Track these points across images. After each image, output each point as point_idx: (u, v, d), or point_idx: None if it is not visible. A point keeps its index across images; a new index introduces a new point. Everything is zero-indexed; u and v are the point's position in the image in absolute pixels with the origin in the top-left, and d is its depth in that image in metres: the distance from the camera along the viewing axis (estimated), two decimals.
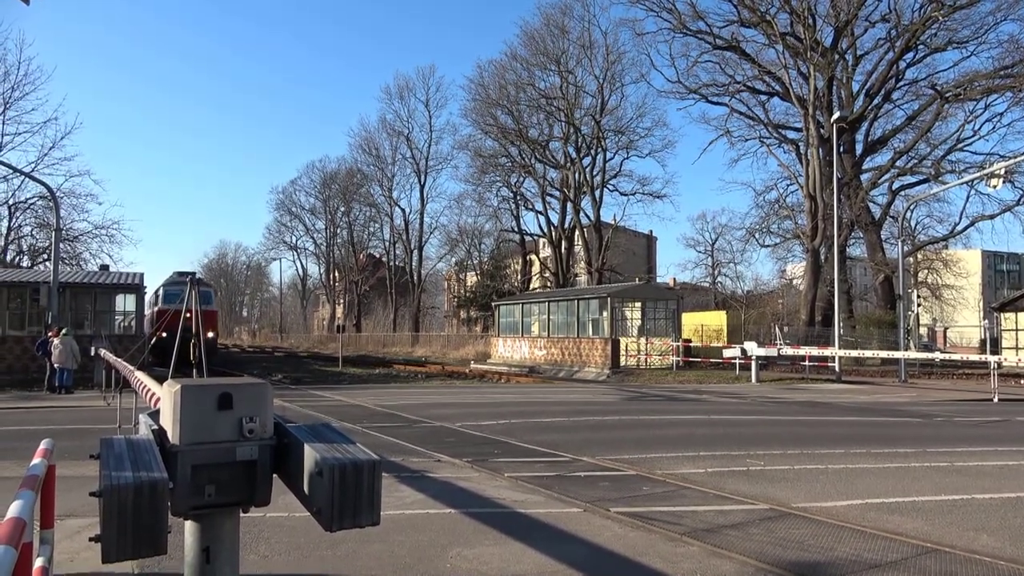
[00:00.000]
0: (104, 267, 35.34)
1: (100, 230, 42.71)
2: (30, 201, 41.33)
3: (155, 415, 2.60)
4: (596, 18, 61.95)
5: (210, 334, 26.32)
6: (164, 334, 23.85)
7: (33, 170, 36.61)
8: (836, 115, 30.78)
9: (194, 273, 31.76)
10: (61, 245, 27.32)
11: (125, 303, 25.77)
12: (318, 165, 78.65)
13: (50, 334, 20.14)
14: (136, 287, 25.87)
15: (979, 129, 39.12)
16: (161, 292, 31.85)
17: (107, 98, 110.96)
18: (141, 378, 5.71)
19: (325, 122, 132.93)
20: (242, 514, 2.51)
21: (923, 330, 46.37)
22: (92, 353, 17.01)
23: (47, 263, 38.13)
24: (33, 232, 43.72)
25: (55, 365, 19.40)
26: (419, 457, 9.11)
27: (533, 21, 66.83)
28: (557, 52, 50.43)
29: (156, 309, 30.65)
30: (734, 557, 5.14)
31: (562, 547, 5.36)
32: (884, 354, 27.40)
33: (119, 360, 10.76)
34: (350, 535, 5.18)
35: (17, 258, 42.68)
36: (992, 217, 39.37)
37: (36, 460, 3.00)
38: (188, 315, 24.43)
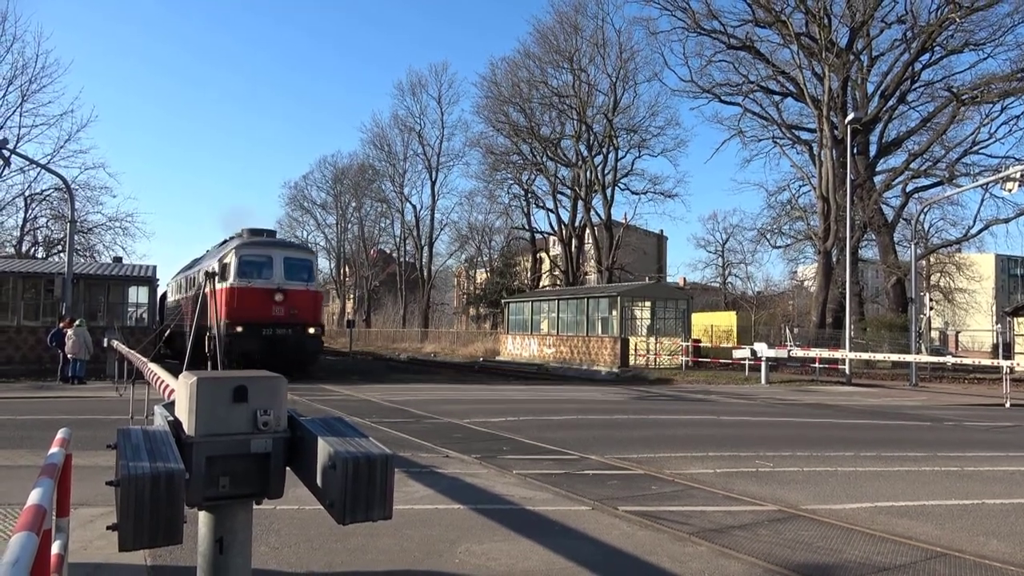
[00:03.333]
0: (117, 259, 35.53)
1: (114, 222, 43.00)
2: (46, 193, 41.63)
3: (170, 407, 2.63)
4: (610, 16, 61.94)
5: (309, 330, 21.90)
6: (239, 328, 20.34)
7: (49, 162, 36.85)
8: (850, 116, 30.59)
9: (273, 231, 25.46)
10: (75, 237, 27.47)
11: (138, 295, 25.90)
12: (330, 160, 78.76)
13: (62, 325, 20.32)
14: (148, 279, 26.00)
15: (995, 132, 38.83)
16: (233, 260, 21.30)
17: (123, 91, 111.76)
18: (155, 370, 5.77)
19: (338, 117, 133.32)
20: (254, 506, 2.54)
21: (935, 334, 46.08)
22: (105, 344, 17.17)
23: (61, 254, 38.44)
24: (48, 223, 44.02)
25: (68, 356, 19.57)
26: (428, 453, 9.14)
27: (546, 19, 66.80)
28: (570, 50, 50.33)
29: (223, 287, 20.86)
30: (742, 558, 5.14)
31: (570, 545, 5.37)
32: (895, 357, 27.22)
33: (132, 352, 10.85)
34: (360, 529, 5.22)
35: (32, 249, 43.02)
36: (1007, 221, 39.02)
37: (54, 449, 3.04)
38: (281, 296, 20.89)
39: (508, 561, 4.96)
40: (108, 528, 2.07)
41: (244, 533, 2.44)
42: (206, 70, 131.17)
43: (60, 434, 3.34)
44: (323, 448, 2.28)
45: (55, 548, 3.04)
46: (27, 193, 41.14)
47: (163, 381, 5.44)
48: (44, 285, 23.91)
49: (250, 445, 2.37)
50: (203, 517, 2.41)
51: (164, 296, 35.57)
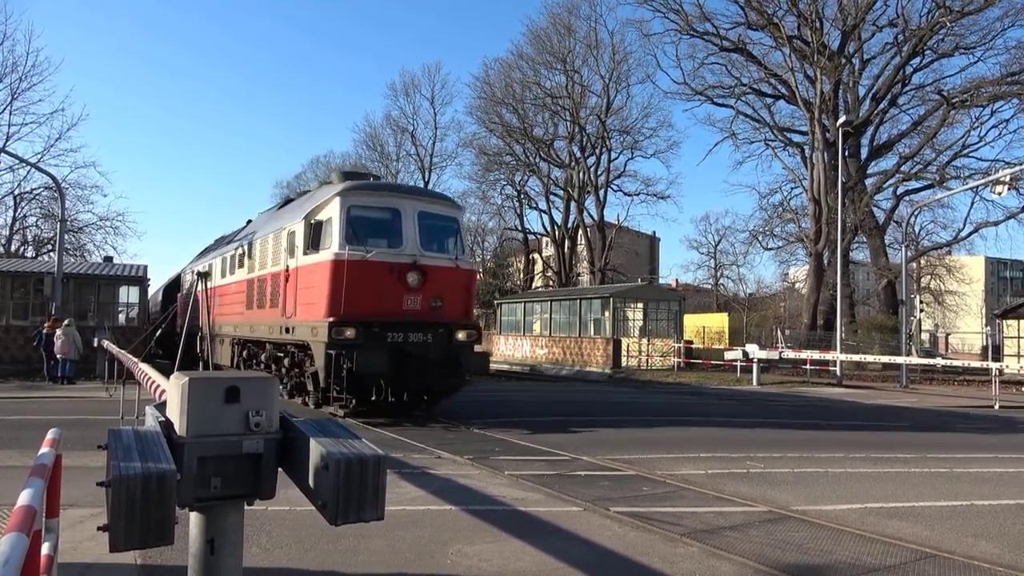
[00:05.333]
0: (108, 259, 35.36)
1: (104, 222, 42.74)
2: (35, 192, 41.33)
3: (161, 407, 2.63)
4: (603, 18, 62.13)
5: (459, 334, 12.29)
6: (349, 331, 11.11)
7: (39, 161, 36.64)
8: (842, 119, 30.76)
9: (376, 176, 20.35)
10: (65, 236, 27.34)
11: (128, 295, 25.75)
12: (322, 160, 78.39)
13: (46, 325, 20.16)
14: (139, 279, 25.86)
15: (985, 135, 39.10)
16: (338, 215, 11.97)
17: (113, 88, 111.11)
18: (146, 370, 5.75)
19: (331, 115, 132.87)
20: (246, 507, 2.53)
21: (925, 336, 46.35)
22: (95, 344, 17.06)
23: (51, 254, 38.21)
24: (38, 223, 43.73)
25: (58, 356, 19.44)
26: (420, 454, 9.13)
27: (540, 20, 66.78)
28: (563, 51, 50.41)
29: (316, 263, 12.13)
30: (733, 559, 5.16)
31: (562, 545, 5.37)
32: (885, 359, 27.37)
33: (123, 352, 10.81)
34: (351, 530, 5.20)
35: (22, 248, 42.74)
36: (996, 224, 39.32)
37: (44, 449, 3.02)
38: (417, 277, 11.54)
39: (500, 562, 4.96)
40: (99, 529, 2.07)
41: (235, 534, 2.44)
42: (201, 67, 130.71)
43: (50, 434, 3.32)
44: (315, 449, 2.28)
45: (45, 548, 3.02)
46: (16, 192, 40.90)
47: (154, 381, 5.42)
48: (33, 284, 23.74)
49: (242, 446, 2.38)
50: (194, 518, 2.41)
51: (173, 285, 29.81)
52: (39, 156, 38.86)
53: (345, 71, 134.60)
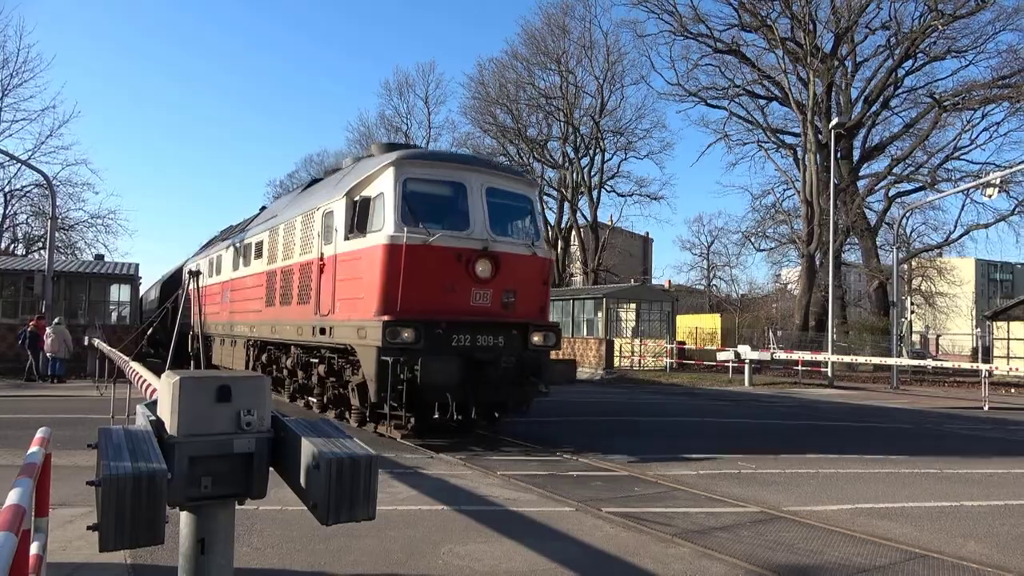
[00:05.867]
0: (99, 257, 35.19)
1: (96, 219, 42.50)
2: (26, 189, 41.08)
3: (152, 406, 2.62)
4: (597, 19, 62.21)
5: (535, 336, 10.34)
6: (407, 332, 9.17)
7: (30, 158, 36.42)
8: (834, 121, 30.89)
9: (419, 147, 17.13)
10: (56, 234, 27.14)
11: (120, 293, 25.63)
12: (315, 159, 78.12)
13: (30, 323, 20.04)
14: (131, 277, 25.75)
15: (976, 138, 39.30)
16: (391, 189, 9.79)
17: (103, 86, 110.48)
18: (137, 369, 5.73)
19: (325, 113, 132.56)
20: (237, 506, 2.53)
21: (915, 337, 46.56)
22: (86, 343, 16.98)
23: (42, 251, 37.96)
24: (28, 220, 43.46)
25: (48, 354, 19.33)
26: (412, 454, 9.12)
27: (534, 20, 66.85)
28: (557, 51, 50.38)
29: (365, 248, 9.93)
30: (724, 559, 5.18)
31: (554, 546, 5.38)
32: (876, 360, 27.49)
33: (114, 350, 10.76)
34: (343, 530, 5.20)
35: (12, 246, 42.47)
36: (987, 226, 39.52)
37: (33, 448, 3.01)
38: (488, 267, 9.63)
39: (491, 562, 4.96)
40: (89, 528, 2.06)
41: (226, 533, 2.44)
42: (194, 66, 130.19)
43: (39, 433, 3.31)
44: (307, 448, 2.28)
45: (34, 548, 3.01)
46: (7, 189, 40.65)
47: (145, 380, 5.40)
48: (24, 282, 23.63)
49: (233, 445, 2.37)
50: (185, 517, 2.40)
51: (173, 280, 26.48)
52: (30, 153, 38.64)
53: (338, 69, 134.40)
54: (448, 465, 8.45)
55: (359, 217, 9.87)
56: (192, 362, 17.46)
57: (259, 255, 14.70)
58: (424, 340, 9.13)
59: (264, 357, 14.40)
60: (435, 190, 10.13)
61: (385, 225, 9.61)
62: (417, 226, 9.46)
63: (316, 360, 11.69)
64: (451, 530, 5.73)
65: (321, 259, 11.04)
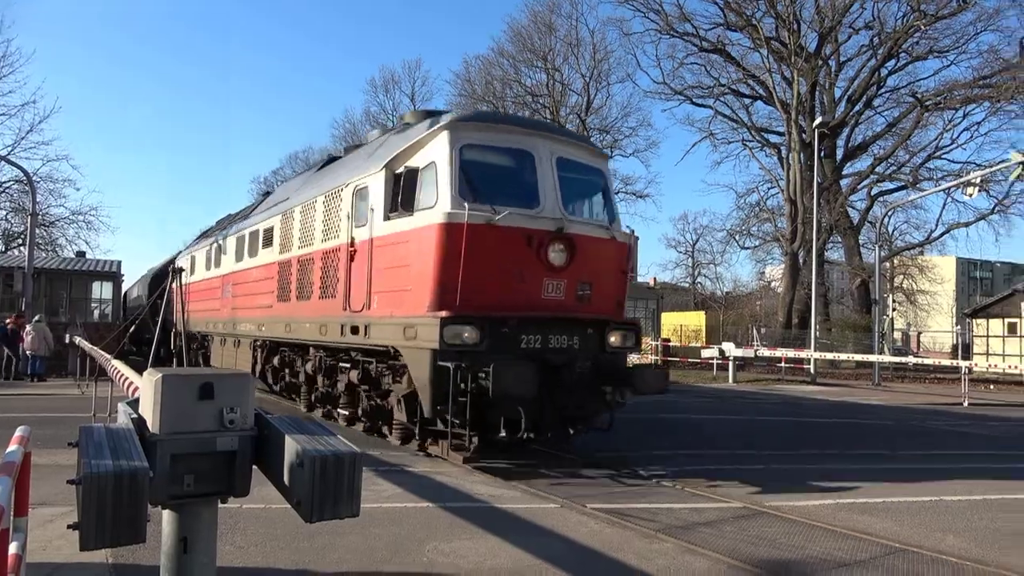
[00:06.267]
0: (80, 254, 34.80)
1: (77, 216, 41.97)
2: (5, 185, 40.56)
3: (134, 404, 2.60)
4: (584, 16, 62.08)
5: (613, 337, 8.68)
6: (467, 332, 7.60)
7: (9, 153, 35.91)
8: (818, 120, 31.13)
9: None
10: (37, 230, 26.82)
11: (101, 291, 25.39)
12: (301, 156, 77.68)
13: (8, 321, 19.80)
14: (113, 275, 25.51)
15: (957, 138, 39.76)
16: (446, 156, 8.12)
17: (81, 84, 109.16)
18: (119, 367, 5.68)
19: (309, 110, 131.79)
20: (220, 504, 2.52)
21: (897, 334, 47.05)
22: (67, 341, 16.80)
23: (22, 248, 37.49)
24: (8, 216, 42.88)
25: (28, 352, 19.11)
26: (397, 451, 9.10)
27: (521, 18, 66.80)
28: (544, 49, 50.38)
29: (415, 228, 8.20)
30: (707, 554, 5.21)
31: (538, 542, 5.39)
32: (859, 357, 27.76)
33: (95, 348, 10.65)
34: (327, 527, 5.19)
35: None
36: (967, 225, 40.02)
37: (12, 447, 2.98)
38: (561, 253, 8.17)
39: (476, 559, 4.97)
40: (69, 527, 2.04)
41: (209, 532, 2.42)
42: (175, 64, 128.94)
43: (19, 431, 3.27)
44: (291, 446, 2.27)
45: (12, 548, 2.98)
46: None
47: (127, 378, 5.36)
48: (3, 279, 23.34)
49: (216, 443, 2.36)
50: (167, 516, 2.39)
51: (164, 273, 23.07)
52: (9, 149, 38.12)
53: (324, 66, 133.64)
54: (433, 462, 8.42)
55: (404, 192, 8.18)
56: (175, 360, 17.31)
57: (268, 243, 13.10)
58: (488, 341, 7.55)
59: (276, 360, 12.80)
60: (496, 160, 8.59)
61: (439, 201, 7.94)
62: (477, 202, 7.85)
63: (346, 365, 9.94)
64: (436, 527, 5.72)
65: (351, 245, 9.44)
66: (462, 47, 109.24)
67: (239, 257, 14.98)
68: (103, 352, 9.35)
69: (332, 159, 13.67)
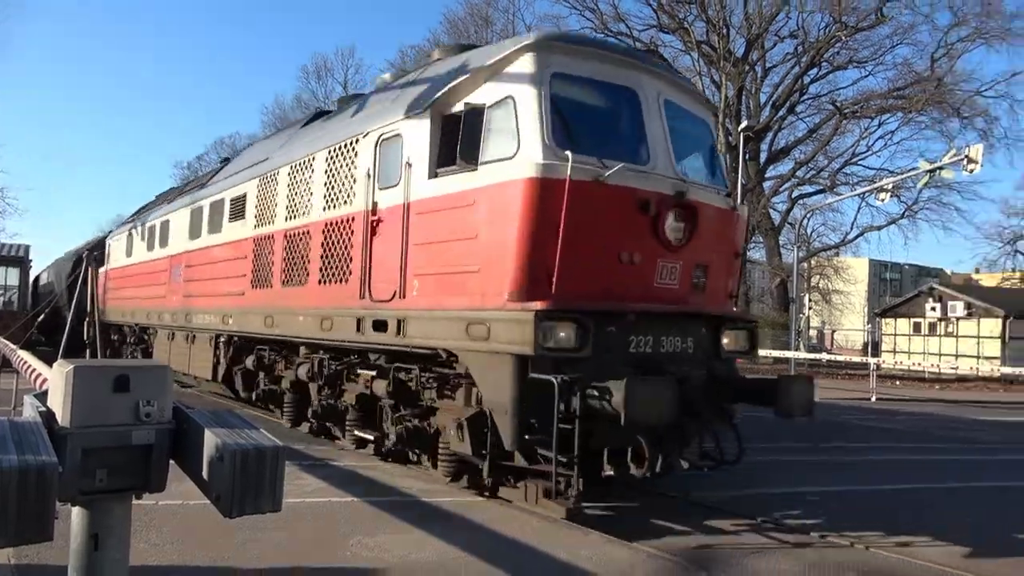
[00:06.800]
0: None
1: None
2: None
3: (42, 396, 2.49)
4: (521, 12, 62.34)
5: (726, 338, 6.92)
6: (563, 332, 5.62)
7: None
8: (744, 124, 32.18)
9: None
10: None
11: (7, 276, 24.01)
12: (227, 141, 75.22)
13: None
14: (20, 260, 24.17)
15: (872, 145, 41.92)
16: (533, 93, 6.09)
17: None
18: (25, 358, 5.41)
19: (238, 97, 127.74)
20: (135, 501, 2.44)
21: (813, 332, 49.21)
22: None
23: None
24: None
25: None
26: (324, 445, 8.96)
27: (458, 10, 66.38)
28: (480, 42, 50.12)
29: (494, 183, 6.09)
30: (630, 545, 5.34)
31: (465, 535, 5.40)
32: (776, 353, 28.89)
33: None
34: (248, 523, 5.07)
35: None
36: (879, 228, 42.24)
37: None
38: (678, 225, 6.33)
39: (401, 552, 4.95)
40: None
41: (122, 528, 2.34)
42: (93, 48, 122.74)
43: None
44: (210, 440, 2.22)
45: None
46: None
47: (34, 370, 5.11)
48: None
49: (131, 437, 2.28)
50: (77, 512, 2.30)
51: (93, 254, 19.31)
52: None
53: (248, 52, 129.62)
54: (359, 456, 8.30)
55: (465, 140, 6.12)
56: (87, 351, 16.50)
57: (238, 215, 10.82)
58: (591, 345, 5.64)
59: (250, 361, 10.56)
60: (592, 98, 6.67)
61: (522, 148, 5.96)
62: (576, 152, 5.75)
63: (369, 372, 7.67)
64: (361, 521, 5.67)
65: (373, 212, 7.38)
66: (398, 38, 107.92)
67: (195, 233, 12.59)
68: (8, 342, 8.86)
69: (321, 113, 11.76)
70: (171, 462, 2.43)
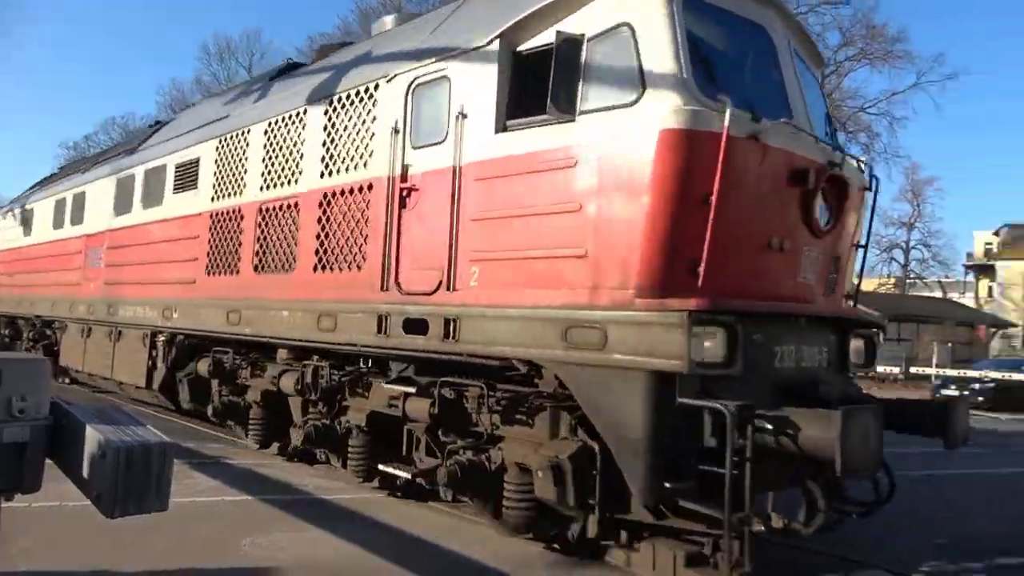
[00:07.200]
0: None
1: None
2: None
3: None
4: (435, 3, 61.98)
5: (853, 344, 5.46)
6: (712, 341, 4.12)
7: None
8: None
9: None
10: None
11: None
12: (119, 121, 70.86)
13: None
14: None
15: None
16: (662, 15, 4.51)
17: None
18: None
19: (128, 75, 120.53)
20: (5, 503, 2.31)
21: None
22: None
23: None
24: None
25: None
26: (218, 443, 8.65)
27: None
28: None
29: (630, 135, 4.46)
30: (533, 541, 5.43)
31: (363, 533, 5.37)
32: None
33: None
34: (134, 525, 4.80)
35: None
36: None
37: None
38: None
39: (296, 551, 4.86)
40: None
41: None
42: None
43: None
44: (92, 436, 2.13)
45: None
46: None
47: None
48: None
49: (2, 434, 2.16)
50: None
51: None
52: None
53: (144, 29, 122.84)
54: (256, 454, 8.06)
55: (558, 80, 4.66)
56: None
57: (188, 185, 8.95)
58: (740, 357, 4.19)
59: (204, 366, 8.48)
60: (725, 35, 5.24)
61: (649, 91, 4.48)
62: (718, 99, 4.39)
63: (400, 387, 5.81)
64: (255, 520, 5.53)
65: (403, 178, 5.84)
66: (308, 25, 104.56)
67: (122, 208, 10.55)
68: None
69: (294, 65, 9.82)
70: (48, 461, 2.32)
